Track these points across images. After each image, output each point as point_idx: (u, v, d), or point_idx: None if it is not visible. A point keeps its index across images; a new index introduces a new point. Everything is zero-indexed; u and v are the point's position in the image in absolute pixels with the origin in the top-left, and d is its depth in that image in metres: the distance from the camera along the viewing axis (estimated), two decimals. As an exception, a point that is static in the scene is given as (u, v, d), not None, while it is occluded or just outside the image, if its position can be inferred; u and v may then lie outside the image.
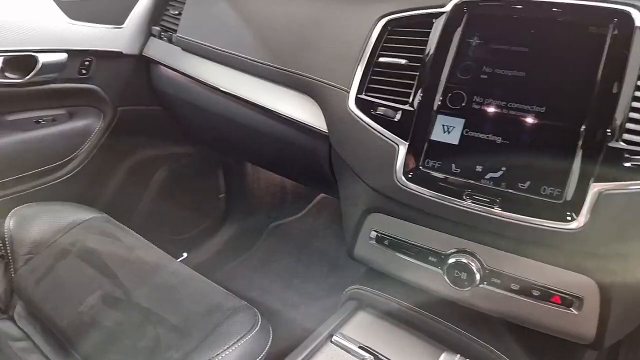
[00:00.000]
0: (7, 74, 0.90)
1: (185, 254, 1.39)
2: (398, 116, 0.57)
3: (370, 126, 0.59)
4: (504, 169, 0.52)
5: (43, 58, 0.92)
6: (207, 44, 0.89)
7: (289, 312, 1.26)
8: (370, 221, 0.62)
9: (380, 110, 0.59)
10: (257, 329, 0.59)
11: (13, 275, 0.76)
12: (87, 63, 1.01)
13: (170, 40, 1.01)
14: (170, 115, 1.19)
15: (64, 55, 0.95)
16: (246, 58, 0.80)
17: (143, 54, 1.07)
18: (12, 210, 0.81)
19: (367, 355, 0.54)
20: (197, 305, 0.65)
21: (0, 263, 0.78)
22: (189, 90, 1.00)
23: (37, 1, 0.88)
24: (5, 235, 0.78)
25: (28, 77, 0.91)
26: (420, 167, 0.55)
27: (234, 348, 0.55)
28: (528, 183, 0.50)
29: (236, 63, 0.83)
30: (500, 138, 0.52)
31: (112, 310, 0.66)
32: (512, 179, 0.51)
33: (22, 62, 0.90)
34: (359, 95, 0.62)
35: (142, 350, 0.59)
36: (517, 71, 0.53)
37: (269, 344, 0.59)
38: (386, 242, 0.60)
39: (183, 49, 0.97)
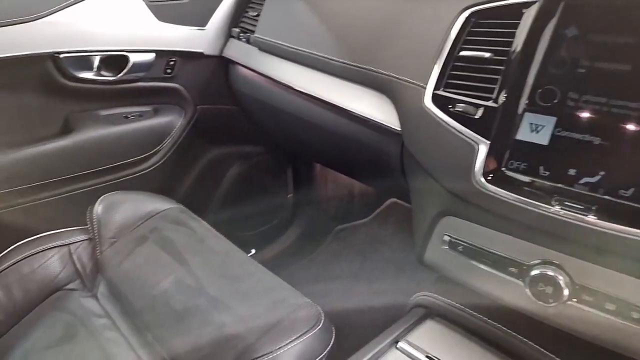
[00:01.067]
0: (102, 72, 0.98)
1: (253, 251, 1.43)
2: (479, 113, 0.54)
3: (448, 124, 0.56)
4: (602, 173, 0.46)
5: (133, 58, 0.99)
6: (282, 43, 0.90)
7: (351, 317, 1.24)
8: (443, 225, 0.58)
9: (460, 107, 0.55)
10: (320, 327, 0.58)
11: (99, 256, 0.82)
12: (171, 63, 1.07)
13: (248, 41, 1.04)
14: (245, 114, 1.23)
15: (151, 55, 1.02)
16: (321, 56, 0.80)
17: (223, 54, 1.12)
18: (101, 197, 0.87)
19: (438, 365, 0.50)
20: (262, 298, 0.65)
21: (89, 244, 0.85)
22: (263, 89, 1.03)
23: (130, 3, 0.95)
24: (94, 219, 0.84)
25: (120, 75, 0.99)
26: (503, 169, 0.51)
27: (295, 343, 0.55)
28: (632, 190, 0.44)
29: (310, 61, 0.84)
30: (599, 139, 0.47)
31: (183, 296, 0.68)
32: (612, 184, 0.45)
33: (115, 61, 0.98)
34: (435, 92, 0.59)
35: (208, 337, 0.61)
36: (622, 65, 0.47)
37: (332, 343, 0.58)
38: (460, 248, 0.56)
39: (260, 49, 1.00)
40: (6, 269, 0.76)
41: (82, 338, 0.68)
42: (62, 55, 0.89)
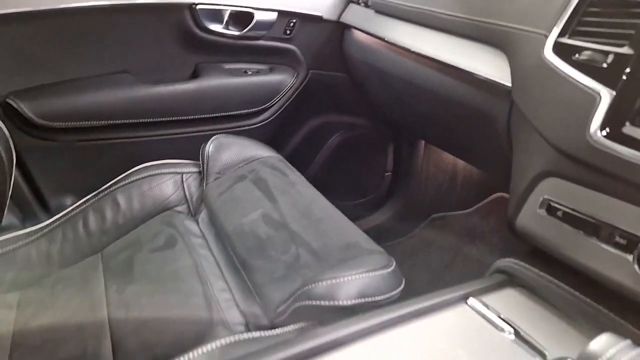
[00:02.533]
0: (229, 27, 1.07)
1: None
2: (608, 60, 0.47)
3: (567, 74, 0.50)
4: None
5: (258, 15, 1.06)
6: (399, 2, 0.89)
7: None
8: (543, 187, 0.52)
9: (585, 54, 0.49)
10: (390, 270, 0.57)
11: (204, 187, 0.91)
12: (291, 24, 1.13)
13: (366, 5, 1.05)
14: (355, 82, 1.24)
15: (274, 15, 1.08)
16: (437, 12, 0.77)
17: (340, 19, 1.14)
18: (213, 137, 0.96)
19: (507, 327, 0.46)
20: (338, 239, 0.66)
21: (198, 176, 0.95)
22: (376, 53, 1.02)
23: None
24: (205, 156, 0.93)
25: (244, 31, 1.07)
26: (628, 124, 0.44)
27: (360, 276, 0.54)
28: None
29: (426, 19, 0.81)
30: None
31: (267, 227, 0.72)
32: None
33: (242, 17, 1.06)
34: (559, 40, 0.53)
35: (283, 263, 0.64)
36: None
37: (400, 287, 0.56)
38: (559, 213, 0.50)
39: (376, 12, 0.99)
40: (129, 183, 0.89)
41: (180, 249, 0.76)
42: (197, 7, 0.99)
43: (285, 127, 1.28)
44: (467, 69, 0.70)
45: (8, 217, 0.86)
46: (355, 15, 1.08)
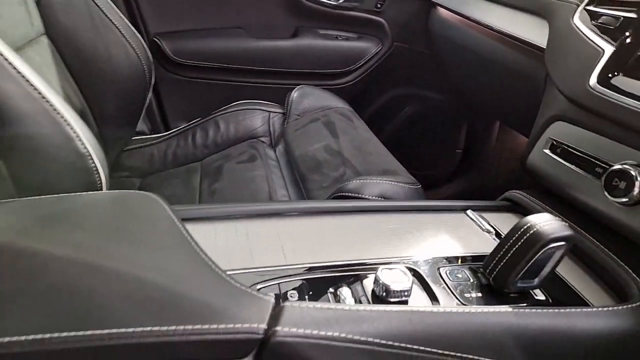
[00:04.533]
0: (329, -4, 1.24)
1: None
2: (617, 24, 0.55)
3: (585, 34, 0.58)
4: None
5: (354, -12, 1.22)
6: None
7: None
8: (551, 129, 0.61)
9: (602, 19, 0.57)
10: (413, 187, 0.70)
11: (285, 125, 1.10)
12: (383, -2, 1.26)
13: (451, -17, 1.14)
14: (436, 59, 1.33)
15: (368, -12, 1.23)
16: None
17: None
18: (298, 86, 1.15)
19: (492, 230, 0.56)
20: (380, 166, 0.80)
21: (282, 117, 1.15)
22: (456, 29, 1.12)
23: None
24: (289, 101, 1.13)
25: (341, 0, 1.23)
26: (621, 74, 0.52)
27: (386, 182, 0.68)
28: None
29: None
30: None
31: (325, 154, 0.89)
32: None
33: (340, -13, 1.22)
34: (586, 7, 0.61)
35: (332, 178, 0.80)
36: None
37: None
38: (559, 150, 0.59)
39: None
40: (229, 113, 1.11)
41: (258, 164, 0.97)
42: (304, -24, 1.18)
43: (364, 93, 1.43)
44: (514, 33, 0.79)
45: (141, 125, 1.14)
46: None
